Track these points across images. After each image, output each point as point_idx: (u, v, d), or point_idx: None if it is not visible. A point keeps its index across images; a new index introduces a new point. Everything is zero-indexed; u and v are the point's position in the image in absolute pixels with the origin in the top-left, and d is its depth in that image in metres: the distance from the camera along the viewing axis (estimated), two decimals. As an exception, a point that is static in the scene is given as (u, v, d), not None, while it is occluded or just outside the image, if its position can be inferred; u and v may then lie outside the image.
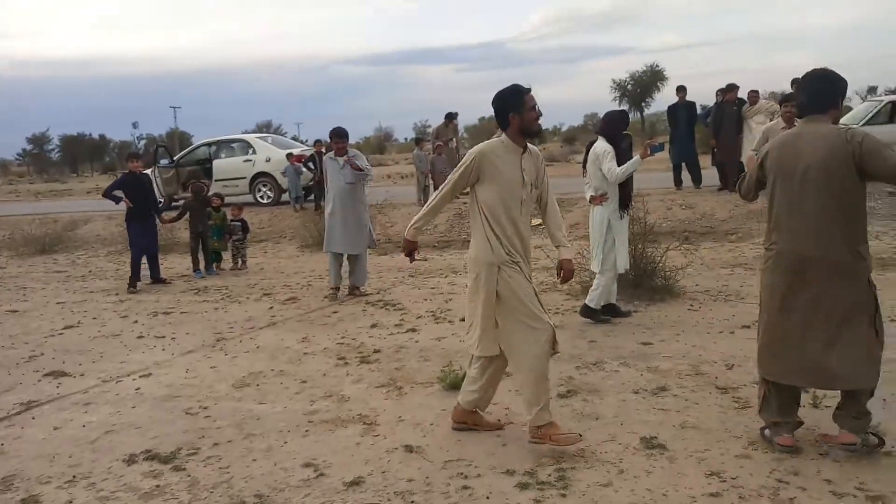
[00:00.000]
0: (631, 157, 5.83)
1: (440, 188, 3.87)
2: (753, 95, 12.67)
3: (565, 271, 3.92)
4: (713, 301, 6.64)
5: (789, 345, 3.41)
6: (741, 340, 5.31)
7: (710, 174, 13.25)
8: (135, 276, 9.01)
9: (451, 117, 15.63)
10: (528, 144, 3.77)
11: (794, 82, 12.23)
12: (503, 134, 3.78)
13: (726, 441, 3.64)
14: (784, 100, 7.51)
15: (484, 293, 3.66)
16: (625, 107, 56.80)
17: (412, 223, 3.90)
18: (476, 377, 3.87)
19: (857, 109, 14.90)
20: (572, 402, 4.29)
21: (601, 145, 5.86)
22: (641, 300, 6.63)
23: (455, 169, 3.82)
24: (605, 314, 6.07)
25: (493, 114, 3.78)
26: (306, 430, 4.12)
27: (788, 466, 3.32)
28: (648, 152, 5.84)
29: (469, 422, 3.97)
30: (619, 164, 5.73)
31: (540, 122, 3.76)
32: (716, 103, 12.89)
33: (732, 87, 12.51)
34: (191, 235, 10.16)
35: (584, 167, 6.22)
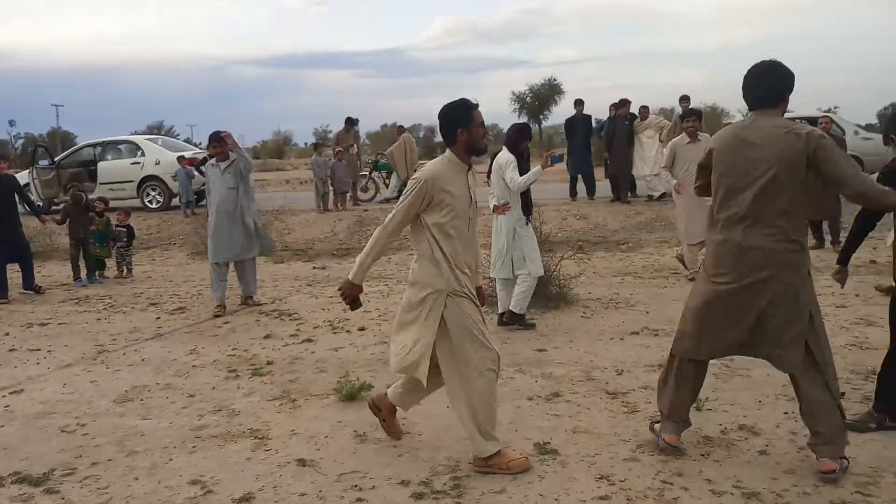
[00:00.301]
0: (529, 168, 6.00)
1: (385, 223, 3.48)
2: (644, 111, 13.29)
3: (482, 296, 3.87)
4: (605, 308, 6.86)
5: (723, 330, 3.43)
6: (630, 347, 5.51)
7: (603, 186, 13.75)
8: (1, 284, 8.36)
9: (351, 123, 15.50)
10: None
11: (683, 99, 12.91)
12: (447, 150, 3.56)
13: (615, 445, 3.75)
14: (686, 115, 7.96)
15: (431, 319, 3.43)
16: (524, 118, 58.09)
17: (358, 265, 3.48)
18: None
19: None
20: (468, 411, 4.30)
21: (504, 156, 6.00)
22: (537, 308, 6.75)
23: (401, 200, 3.48)
24: (504, 321, 6.18)
25: (439, 128, 3.56)
26: (193, 446, 3.94)
27: (673, 468, 3.45)
28: (549, 163, 6.02)
29: (384, 411, 3.90)
30: (521, 174, 5.88)
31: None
32: (609, 118, 13.41)
33: (625, 103, 13.05)
34: (71, 241, 9.57)
35: (488, 177, 6.36)
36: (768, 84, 3.40)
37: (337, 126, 15.84)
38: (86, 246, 9.52)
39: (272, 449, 3.87)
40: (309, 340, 6.08)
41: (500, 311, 6.30)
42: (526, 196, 6.13)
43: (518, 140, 6.10)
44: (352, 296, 3.52)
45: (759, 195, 3.29)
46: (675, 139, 8.11)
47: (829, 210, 8.97)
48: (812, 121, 14.29)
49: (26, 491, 3.46)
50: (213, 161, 7.32)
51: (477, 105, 3.55)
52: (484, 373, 3.48)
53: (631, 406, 4.28)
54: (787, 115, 3.51)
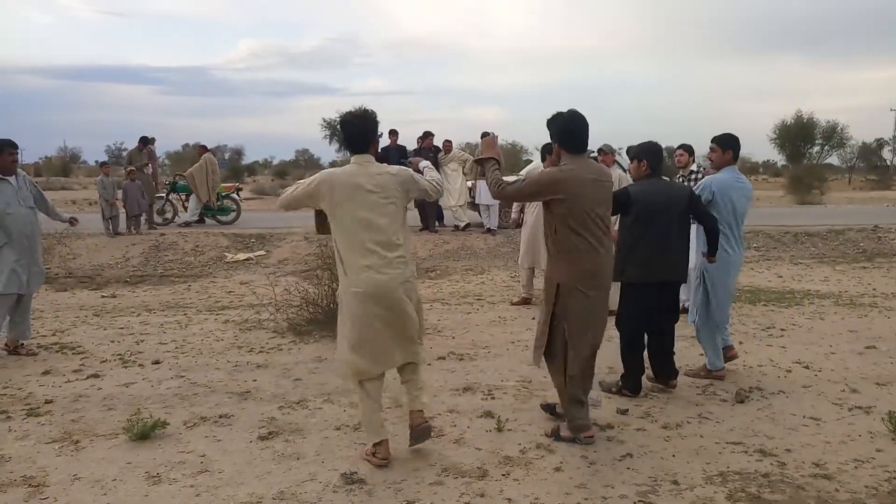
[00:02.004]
0: None
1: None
2: (447, 144, 13.85)
3: None
4: (412, 335, 6.94)
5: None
6: (437, 371, 5.60)
7: (413, 215, 14.07)
8: None
9: (145, 142, 14.61)
10: None
11: (484, 134, 13.56)
12: (360, 156, 3.82)
13: (422, 470, 3.79)
14: (547, 149, 8.47)
15: None
16: (335, 146, 58.01)
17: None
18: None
19: (535, 162, 16.94)
20: (274, 444, 4.15)
21: None
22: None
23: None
24: None
25: (362, 135, 3.81)
26: (-50, 502, 3.44)
27: (476, 489, 3.55)
28: None
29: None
30: None
31: None
32: (415, 149, 13.79)
33: (428, 135, 13.54)
34: None
35: None
36: (586, 133, 4.09)
37: (132, 144, 14.82)
38: None
39: (50, 497, 3.48)
40: (95, 376, 5.55)
41: None
42: None
43: None
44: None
45: (605, 221, 4.08)
46: (531, 166, 8.62)
47: None
48: (596, 158, 15.73)
49: None
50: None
51: None
52: None
53: (437, 431, 4.35)
54: None
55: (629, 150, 5.00)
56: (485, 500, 3.45)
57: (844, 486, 3.58)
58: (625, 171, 14.15)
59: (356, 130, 3.82)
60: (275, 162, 73.72)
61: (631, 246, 4.77)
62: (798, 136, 48.54)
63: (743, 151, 5.49)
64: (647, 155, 4.86)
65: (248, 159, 64.41)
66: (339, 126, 3.89)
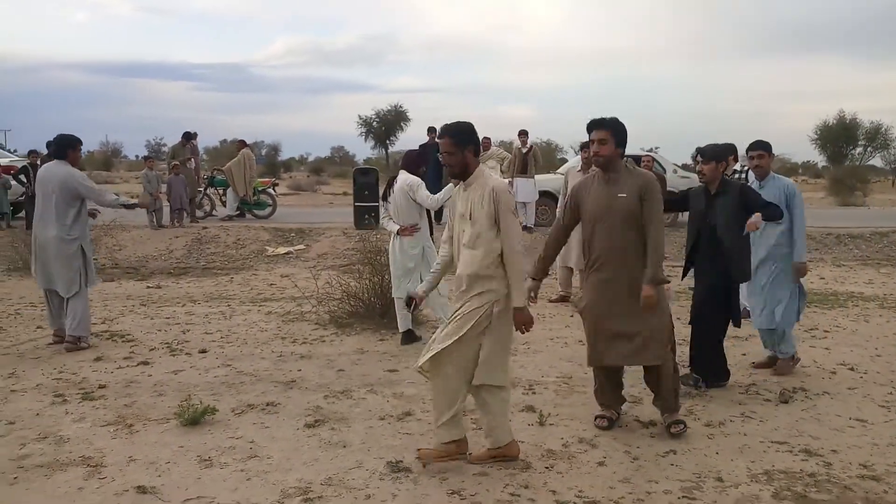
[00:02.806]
0: (378, 190, 6.17)
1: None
2: (486, 141, 13.82)
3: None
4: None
5: None
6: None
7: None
8: None
9: (188, 137, 14.91)
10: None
11: (522, 133, 13.59)
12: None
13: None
14: (583, 146, 8.32)
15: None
16: (371, 142, 58.38)
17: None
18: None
19: (572, 161, 16.89)
20: (320, 432, 4.24)
21: (409, 178, 6.21)
22: (389, 329, 6.77)
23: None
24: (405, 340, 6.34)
25: (475, 139, 3.80)
26: (15, 478, 3.59)
27: (520, 481, 3.59)
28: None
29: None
30: None
31: None
32: (421, 144, 13.83)
33: (433, 131, 13.59)
34: None
35: (385, 200, 6.33)
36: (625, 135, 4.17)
37: (172, 139, 15.17)
38: None
39: (107, 477, 3.61)
40: (145, 363, 5.72)
41: (401, 329, 6.35)
42: (428, 216, 6.40)
43: (419, 164, 6.45)
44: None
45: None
46: (568, 165, 8.53)
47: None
48: (636, 159, 15.57)
49: None
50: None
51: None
52: None
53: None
54: None
55: (703, 152, 4.89)
56: (529, 491, 3.49)
57: (894, 487, 3.54)
58: (665, 170, 14.11)
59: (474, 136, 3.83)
60: (311, 158, 74.44)
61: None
62: (840, 136, 47.48)
63: (783, 152, 5.63)
64: (727, 157, 4.99)
65: (284, 155, 65.14)
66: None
